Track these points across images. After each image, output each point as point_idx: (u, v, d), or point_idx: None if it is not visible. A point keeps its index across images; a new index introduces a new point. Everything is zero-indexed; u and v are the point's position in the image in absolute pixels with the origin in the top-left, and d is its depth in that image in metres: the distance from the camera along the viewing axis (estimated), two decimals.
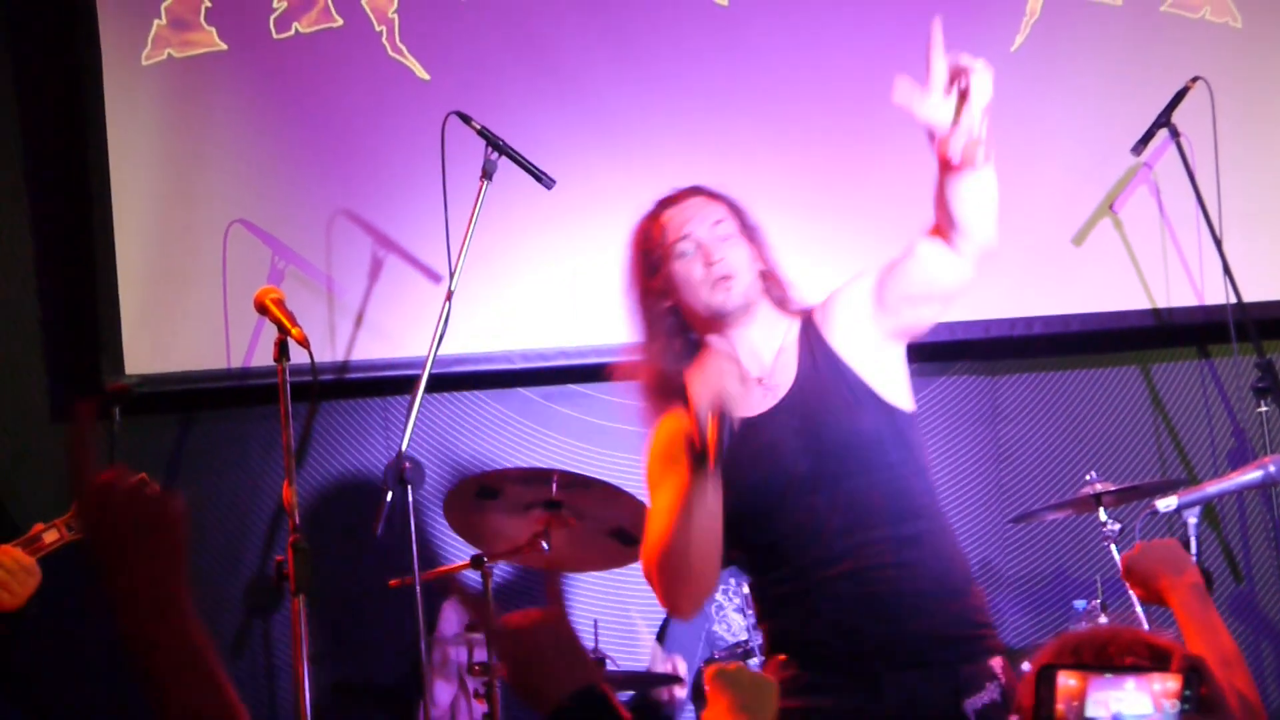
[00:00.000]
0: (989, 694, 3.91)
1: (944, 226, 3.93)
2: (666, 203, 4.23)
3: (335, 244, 6.68)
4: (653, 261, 4.20)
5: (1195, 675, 2.43)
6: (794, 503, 3.97)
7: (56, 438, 6.62)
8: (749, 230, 4.21)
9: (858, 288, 4.12)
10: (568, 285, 6.78)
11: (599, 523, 5.81)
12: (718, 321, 4.13)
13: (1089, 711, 2.42)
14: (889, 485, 3.98)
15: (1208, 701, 2.45)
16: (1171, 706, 2.42)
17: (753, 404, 4.02)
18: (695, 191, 4.24)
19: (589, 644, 6.01)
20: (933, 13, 6.78)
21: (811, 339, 4.12)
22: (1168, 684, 2.43)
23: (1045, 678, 2.44)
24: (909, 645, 3.92)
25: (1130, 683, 2.44)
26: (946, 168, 3.82)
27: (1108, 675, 2.45)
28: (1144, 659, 2.52)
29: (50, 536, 5.20)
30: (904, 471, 4.01)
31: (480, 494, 5.79)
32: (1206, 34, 7.03)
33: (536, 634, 2.62)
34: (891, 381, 4.07)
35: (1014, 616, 6.58)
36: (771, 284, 4.19)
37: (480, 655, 5.80)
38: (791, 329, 4.16)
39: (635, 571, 6.55)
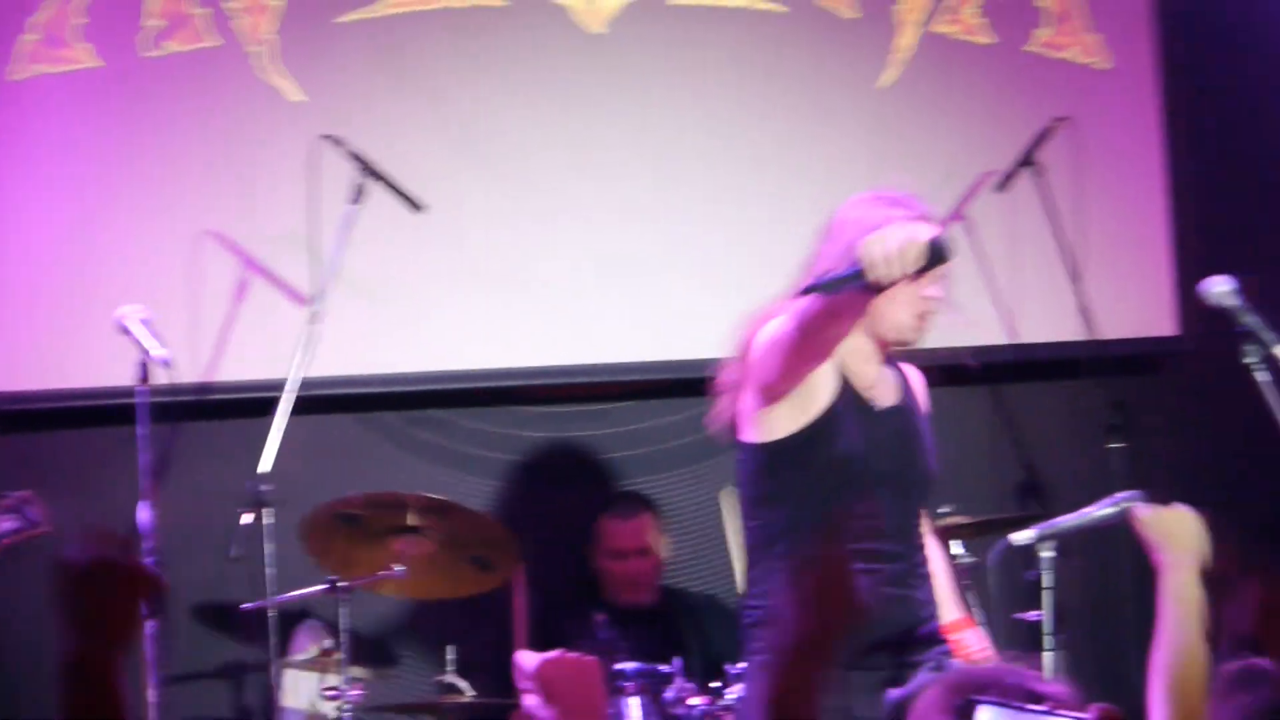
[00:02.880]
0: None
1: None
2: (911, 208, 4.41)
3: (202, 264, 6.64)
4: None
5: None
6: (876, 476, 4.37)
7: None
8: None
9: None
10: (434, 309, 6.78)
11: (457, 549, 5.83)
12: (889, 340, 4.44)
13: None
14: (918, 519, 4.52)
15: None
16: None
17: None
18: (922, 210, 4.47)
19: (443, 672, 6.00)
20: (805, 45, 6.94)
21: (908, 390, 4.55)
22: None
23: (965, 712, 2.43)
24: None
25: None
26: None
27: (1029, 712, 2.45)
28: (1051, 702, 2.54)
29: None
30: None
31: (338, 519, 5.79)
32: (1073, 74, 7.12)
33: None
34: None
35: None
36: None
37: (332, 680, 5.78)
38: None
39: (493, 599, 6.58)
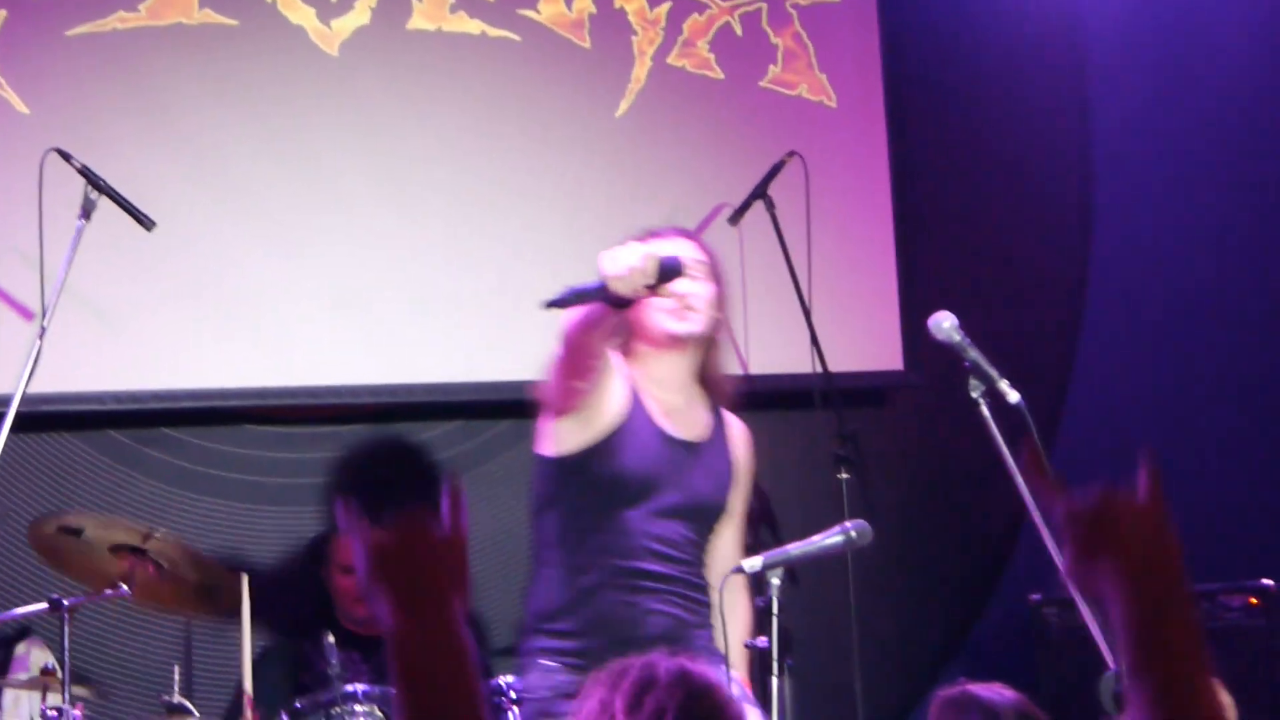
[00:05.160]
0: None
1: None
2: (651, 235, 4.81)
3: None
4: None
5: None
6: (655, 506, 4.69)
7: None
8: (718, 279, 4.95)
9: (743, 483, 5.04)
10: (165, 327, 6.70)
11: (183, 576, 5.77)
12: (669, 342, 4.80)
13: None
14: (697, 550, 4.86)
15: None
16: None
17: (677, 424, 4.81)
18: (681, 232, 4.97)
19: (170, 693, 5.93)
20: (541, 73, 6.99)
21: (720, 434, 4.92)
22: None
23: None
24: None
25: None
26: None
27: None
28: None
29: None
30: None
31: (62, 533, 5.72)
32: (803, 110, 7.26)
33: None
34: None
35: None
36: (713, 347, 4.94)
37: (53, 700, 5.69)
38: (702, 399, 4.90)
39: (219, 626, 6.51)
